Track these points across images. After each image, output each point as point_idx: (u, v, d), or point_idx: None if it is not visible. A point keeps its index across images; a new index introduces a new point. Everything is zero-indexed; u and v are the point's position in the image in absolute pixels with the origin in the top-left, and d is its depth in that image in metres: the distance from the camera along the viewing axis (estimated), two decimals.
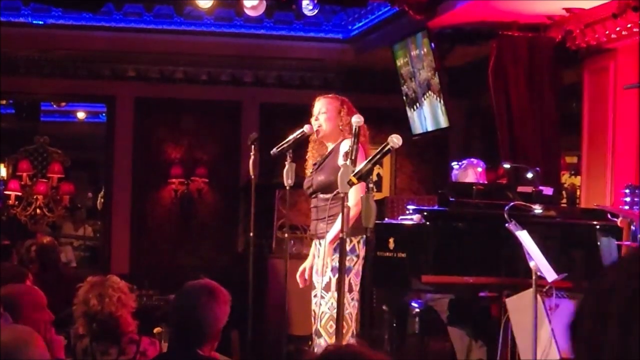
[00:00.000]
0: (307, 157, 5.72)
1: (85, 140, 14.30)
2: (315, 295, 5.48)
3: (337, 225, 5.14)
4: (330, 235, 5.29)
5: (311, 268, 5.58)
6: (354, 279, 5.36)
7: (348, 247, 5.04)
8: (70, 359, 4.73)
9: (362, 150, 5.20)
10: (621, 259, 2.23)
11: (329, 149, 5.59)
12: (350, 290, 5.31)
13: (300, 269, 5.65)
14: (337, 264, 5.26)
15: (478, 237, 6.11)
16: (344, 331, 5.25)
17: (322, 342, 5.30)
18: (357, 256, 5.37)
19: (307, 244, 10.24)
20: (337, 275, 5.28)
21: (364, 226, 4.49)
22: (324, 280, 5.38)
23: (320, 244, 5.45)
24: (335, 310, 5.24)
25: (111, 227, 11.07)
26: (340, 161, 5.11)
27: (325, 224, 5.31)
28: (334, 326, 5.26)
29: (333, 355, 2.15)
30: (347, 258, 5.01)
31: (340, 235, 4.60)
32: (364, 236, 5.38)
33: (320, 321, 5.38)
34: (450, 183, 6.82)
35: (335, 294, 5.27)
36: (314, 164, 5.62)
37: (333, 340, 5.24)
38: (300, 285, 5.60)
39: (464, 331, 6.55)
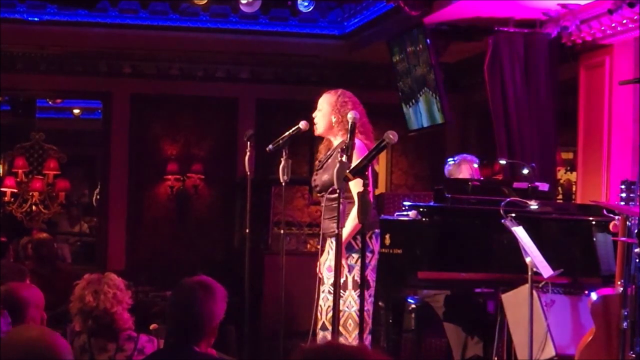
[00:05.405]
0: (318, 153, 5.71)
1: (81, 137, 14.27)
2: (323, 291, 5.43)
3: (347, 227, 5.14)
4: (345, 235, 5.17)
5: (323, 263, 5.53)
6: (370, 275, 5.30)
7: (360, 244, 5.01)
8: None
9: (363, 146, 5.19)
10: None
11: (334, 146, 5.55)
12: (368, 287, 5.21)
13: (319, 265, 5.63)
14: (351, 262, 5.27)
15: (474, 233, 6.11)
16: (352, 328, 5.24)
17: (328, 335, 5.26)
18: (372, 252, 5.33)
19: (303, 240, 10.26)
20: (352, 274, 5.28)
21: (361, 222, 4.48)
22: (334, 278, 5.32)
23: (332, 242, 5.42)
24: (354, 309, 5.24)
25: (107, 223, 11.07)
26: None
27: (332, 223, 5.25)
28: (352, 324, 5.26)
29: (310, 353, 2.13)
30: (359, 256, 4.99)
31: (336, 231, 4.60)
32: (376, 230, 5.37)
33: (327, 315, 5.37)
34: (446, 179, 6.81)
35: (353, 292, 5.27)
36: (319, 161, 5.60)
37: (352, 337, 5.23)
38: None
39: (460, 327, 6.54)
